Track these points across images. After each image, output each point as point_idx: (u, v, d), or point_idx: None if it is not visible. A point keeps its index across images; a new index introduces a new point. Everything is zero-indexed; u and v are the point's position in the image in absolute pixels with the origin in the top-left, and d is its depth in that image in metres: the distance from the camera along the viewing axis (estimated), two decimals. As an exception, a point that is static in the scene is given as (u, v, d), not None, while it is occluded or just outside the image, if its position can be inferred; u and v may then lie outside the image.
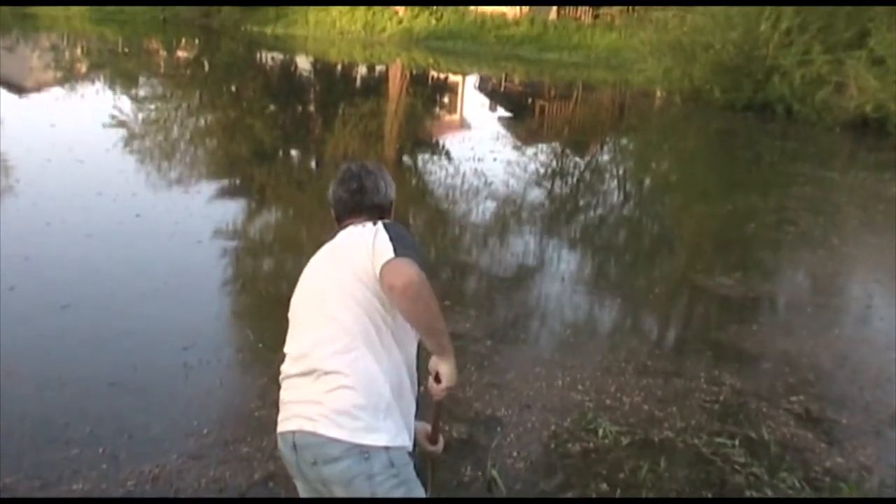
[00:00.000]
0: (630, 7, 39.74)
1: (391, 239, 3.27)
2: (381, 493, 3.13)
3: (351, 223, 3.56)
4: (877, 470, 5.58)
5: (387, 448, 3.15)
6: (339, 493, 3.17)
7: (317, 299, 3.40)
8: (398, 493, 3.17)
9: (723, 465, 5.49)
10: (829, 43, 23.68)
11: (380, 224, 3.40)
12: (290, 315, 3.53)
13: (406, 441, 3.28)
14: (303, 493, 3.43)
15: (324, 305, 3.35)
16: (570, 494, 5.08)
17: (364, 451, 3.11)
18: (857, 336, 8.47)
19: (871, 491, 5.31)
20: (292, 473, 3.38)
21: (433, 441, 3.69)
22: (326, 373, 3.22)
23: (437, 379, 3.33)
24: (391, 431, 3.20)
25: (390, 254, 3.21)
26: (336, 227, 3.64)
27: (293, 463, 3.28)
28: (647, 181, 17.53)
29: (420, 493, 3.30)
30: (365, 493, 3.13)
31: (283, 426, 3.31)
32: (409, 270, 3.15)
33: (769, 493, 5.19)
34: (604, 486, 5.18)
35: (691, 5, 27.19)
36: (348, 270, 3.34)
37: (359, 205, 3.62)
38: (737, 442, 5.77)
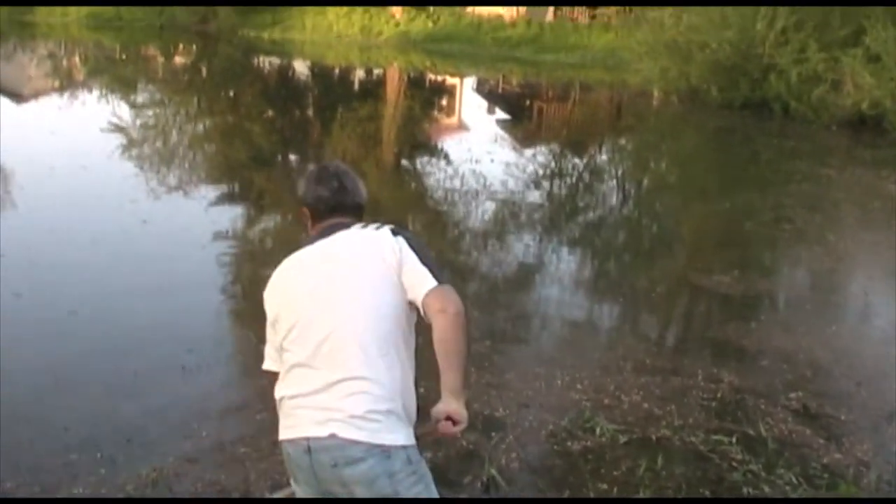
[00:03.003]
0: (626, 7, 39.73)
1: (423, 261, 3.34)
2: (402, 490, 3.14)
3: (334, 223, 3.56)
4: (874, 465, 5.60)
5: (404, 447, 3.18)
6: (361, 493, 3.15)
7: (326, 305, 3.35)
8: (418, 489, 3.20)
9: (720, 463, 5.51)
10: (824, 41, 23.64)
11: (400, 237, 3.43)
12: (288, 316, 3.43)
13: (415, 440, 3.29)
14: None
15: (336, 310, 3.32)
16: (567, 493, 5.10)
17: (385, 451, 3.12)
18: (855, 332, 8.50)
19: (869, 486, 5.33)
20: (298, 478, 3.34)
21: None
22: (342, 378, 3.21)
23: (453, 421, 3.20)
24: (405, 430, 3.22)
25: (432, 281, 3.28)
26: (311, 228, 3.64)
27: (306, 466, 3.23)
28: (646, 181, 17.55)
29: (433, 488, 3.31)
30: (387, 492, 3.13)
31: (292, 432, 3.26)
32: (458, 299, 3.24)
33: (766, 490, 5.21)
34: (601, 485, 5.19)
35: (687, 5, 27.21)
36: (370, 276, 3.36)
37: (341, 203, 3.60)
38: (734, 439, 5.79)
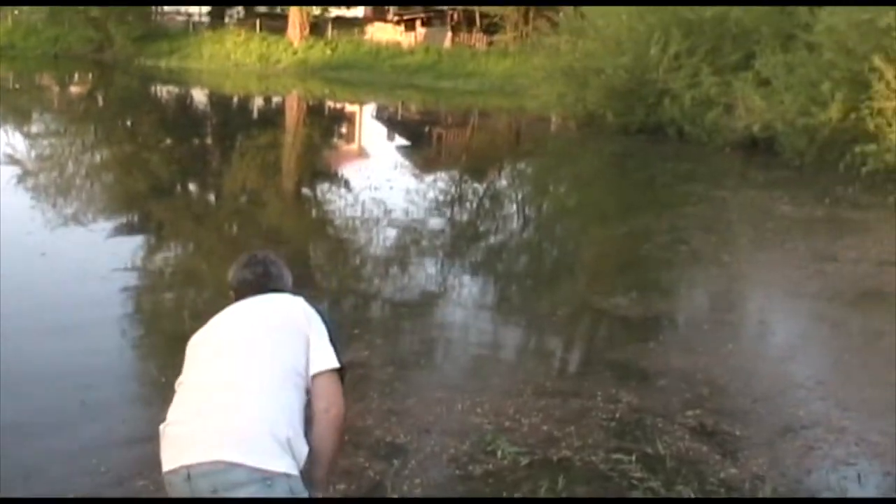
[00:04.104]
0: (523, 34, 40.25)
1: (331, 340, 3.53)
2: None
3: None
4: (769, 479, 5.71)
5: (287, 475, 3.18)
6: None
7: (230, 342, 3.49)
8: None
9: (620, 481, 5.58)
10: (717, 65, 24.20)
11: (313, 310, 3.62)
12: (195, 352, 3.56)
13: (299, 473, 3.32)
14: None
15: (239, 346, 3.45)
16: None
17: (267, 478, 3.12)
18: (751, 350, 8.65)
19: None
20: None
21: None
22: (231, 402, 3.26)
23: None
24: (290, 461, 3.22)
25: (334, 362, 3.47)
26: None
27: (186, 494, 3.22)
28: (545, 206, 17.74)
29: None
30: None
31: (173, 462, 3.26)
32: (342, 401, 3.44)
33: (666, 506, 5.31)
34: (504, 506, 5.25)
35: (589, 5, 27.80)
36: (278, 325, 3.53)
37: (263, 287, 3.78)
38: (634, 458, 5.86)
